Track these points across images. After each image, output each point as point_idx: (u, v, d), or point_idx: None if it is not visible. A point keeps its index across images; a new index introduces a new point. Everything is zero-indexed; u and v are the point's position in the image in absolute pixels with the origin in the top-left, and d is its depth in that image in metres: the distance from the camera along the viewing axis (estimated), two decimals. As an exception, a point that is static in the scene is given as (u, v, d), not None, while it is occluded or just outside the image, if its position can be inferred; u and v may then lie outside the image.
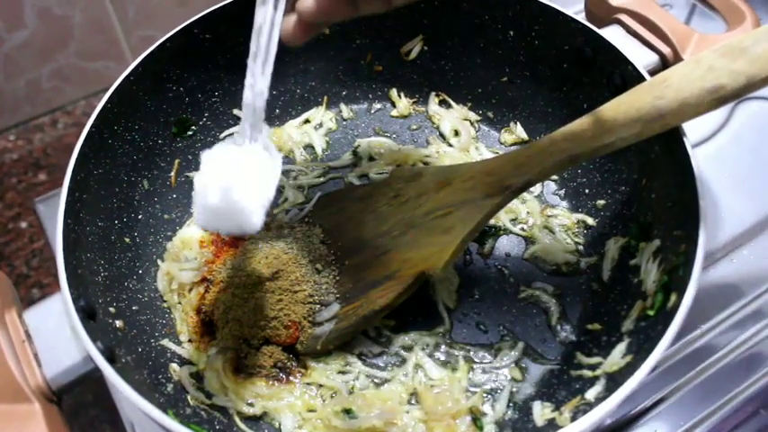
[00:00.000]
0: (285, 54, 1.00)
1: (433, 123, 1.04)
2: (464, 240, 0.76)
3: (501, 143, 1.02)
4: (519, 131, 1.00)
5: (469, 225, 0.76)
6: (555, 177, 0.96)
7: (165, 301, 0.86)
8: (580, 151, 0.73)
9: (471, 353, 0.82)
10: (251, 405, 0.78)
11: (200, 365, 0.81)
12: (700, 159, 0.73)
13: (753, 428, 0.81)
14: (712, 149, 1.05)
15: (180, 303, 0.85)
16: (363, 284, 0.80)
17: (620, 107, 0.74)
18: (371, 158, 1.00)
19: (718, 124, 1.09)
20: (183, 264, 0.88)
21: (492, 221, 0.90)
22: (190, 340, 0.83)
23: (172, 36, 0.91)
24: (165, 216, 0.94)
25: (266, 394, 0.78)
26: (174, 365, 0.79)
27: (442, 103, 1.05)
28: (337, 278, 0.82)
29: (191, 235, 0.91)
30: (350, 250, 0.83)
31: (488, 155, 1.00)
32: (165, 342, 0.82)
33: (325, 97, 1.06)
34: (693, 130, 0.75)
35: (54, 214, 0.74)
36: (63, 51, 1.55)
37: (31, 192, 1.60)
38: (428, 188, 0.81)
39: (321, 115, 1.05)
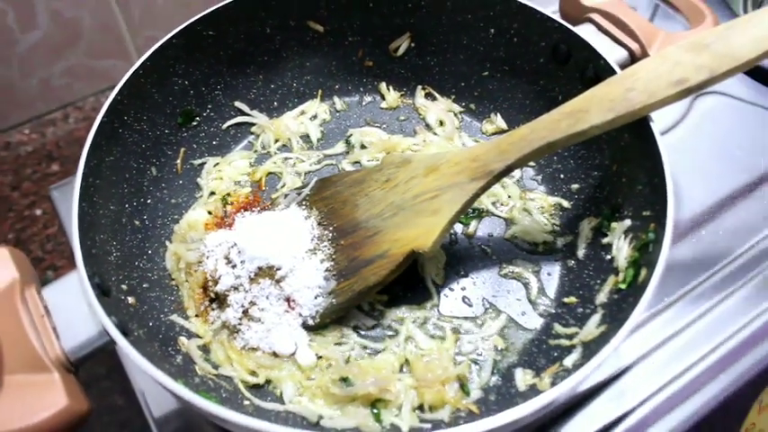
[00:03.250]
0: (282, 50, 1.00)
1: (420, 114, 1.03)
2: (451, 221, 0.75)
3: (482, 133, 1.00)
4: (499, 122, 0.99)
5: (456, 206, 0.75)
6: (533, 164, 0.95)
7: (173, 279, 0.85)
8: (557, 138, 0.73)
9: (458, 325, 0.81)
10: (254, 374, 0.77)
11: (206, 338, 0.79)
12: (665, 146, 0.73)
13: (713, 391, 0.81)
14: (673, 140, 1.05)
15: (187, 281, 0.84)
16: (357, 263, 0.79)
17: (593, 99, 0.73)
18: (363, 146, 0.99)
19: (678, 117, 1.09)
20: (189, 244, 0.86)
21: (476, 204, 0.89)
22: (196, 315, 0.82)
23: (177, 33, 0.89)
24: (172, 200, 0.92)
25: (268, 365, 0.77)
26: (182, 339, 0.78)
27: (428, 95, 1.04)
28: (333, 257, 0.81)
29: (196, 218, 0.90)
30: (344, 231, 0.82)
31: (471, 143, 0.99)
32: (174, 317, 0.80)
33: (320, 90, 1.04)
34: (656, 122, 0.75)
35: (68, 200, 0.73)
36: (73, 51, 1.52)
37: (44, 181, 1.58)
38: (417, 173, 0.80)
39: (316, 107, 1.03)
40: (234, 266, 0.80)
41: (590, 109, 0.72)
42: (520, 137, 0.75)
